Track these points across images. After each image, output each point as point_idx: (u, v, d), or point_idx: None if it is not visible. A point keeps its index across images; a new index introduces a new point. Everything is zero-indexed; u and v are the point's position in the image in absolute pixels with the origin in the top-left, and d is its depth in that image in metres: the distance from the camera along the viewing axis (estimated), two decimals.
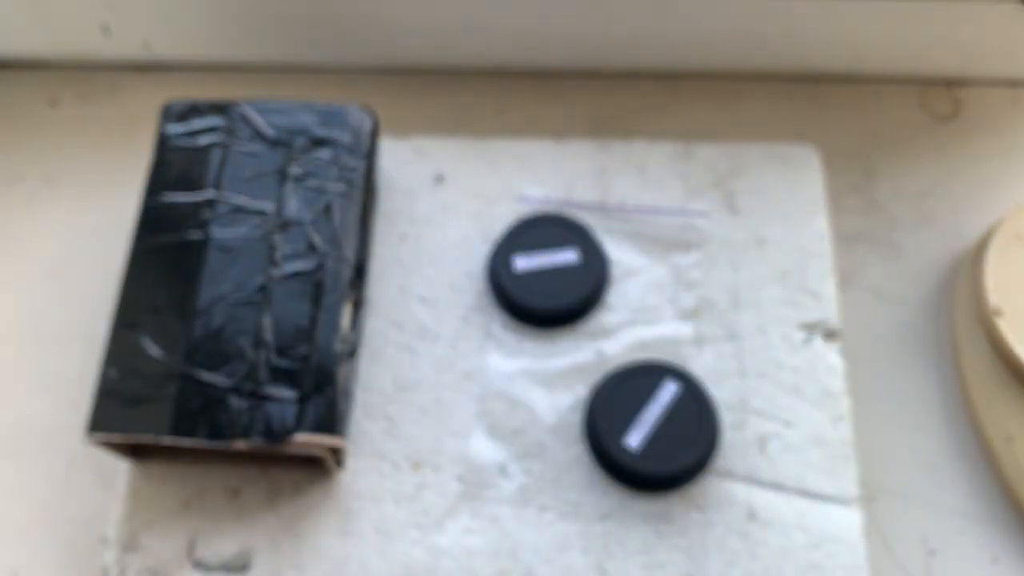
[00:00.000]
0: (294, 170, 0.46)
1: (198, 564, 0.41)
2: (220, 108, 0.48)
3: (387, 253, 0.48)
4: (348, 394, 0.43)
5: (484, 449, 0.43)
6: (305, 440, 0.40)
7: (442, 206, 0.50)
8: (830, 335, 0.46)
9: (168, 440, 0.39)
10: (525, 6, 0.53)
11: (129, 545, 0.42)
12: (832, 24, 0.53)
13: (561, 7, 0.53)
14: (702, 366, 0.45)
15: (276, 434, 0.40)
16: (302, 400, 0.40)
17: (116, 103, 0.58)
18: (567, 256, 0.47)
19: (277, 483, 0.43)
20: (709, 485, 0.42)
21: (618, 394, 0.43)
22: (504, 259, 0.47)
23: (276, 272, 0.43)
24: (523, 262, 0.47)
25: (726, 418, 0.43)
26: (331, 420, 0.40)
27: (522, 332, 0.46)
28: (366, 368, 0.45)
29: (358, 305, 0.45)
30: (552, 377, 0.45)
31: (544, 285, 0.46)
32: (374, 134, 0.48)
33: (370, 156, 0.47)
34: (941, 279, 0.50)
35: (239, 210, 0.45)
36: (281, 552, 0.41)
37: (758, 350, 0.45)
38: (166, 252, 0.44)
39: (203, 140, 0.47)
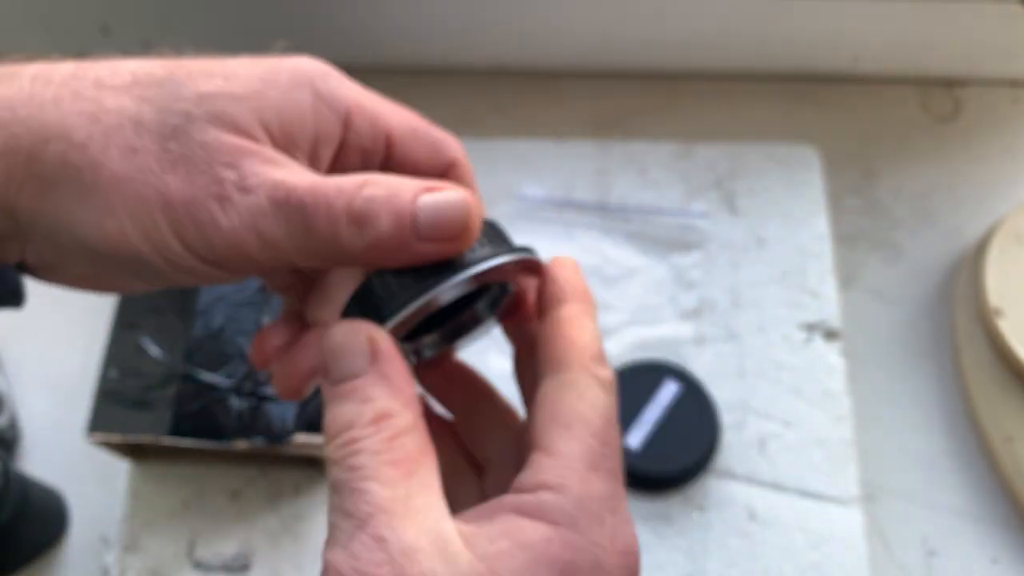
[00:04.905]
0: None
1: (198, 564, 0.41)
2: None
3: None
4: None
5: None
6: (305, 440, 0.40)
7: None
8: (830, 335, 0.46)
9: (168, 440, 0.39)
10: (525, 6, 0.53)
11: (129, 545, 0.42)
12: (832, 24, 0.53)
13: (561, 7, 0.53)
14: (702, 366, 0.45)
15: (276, 434, 0.39)
16: (302, 400, 0.40)
17: None
18: None
19: (277, 483, 0.43)
20: (709, 485, 0.42)
21: (618, 394, 0.43)
22: None
23: None
24: None
25: (726, 418, 0.43)
26: None
27: None
28: None
29: None
30: None
31: None
32: None
33: None
34: (941, 279, 0.50)
35: None
36: (281, 552, 0.41)
37: (758, 350, 0.45)
38: None
39: None
